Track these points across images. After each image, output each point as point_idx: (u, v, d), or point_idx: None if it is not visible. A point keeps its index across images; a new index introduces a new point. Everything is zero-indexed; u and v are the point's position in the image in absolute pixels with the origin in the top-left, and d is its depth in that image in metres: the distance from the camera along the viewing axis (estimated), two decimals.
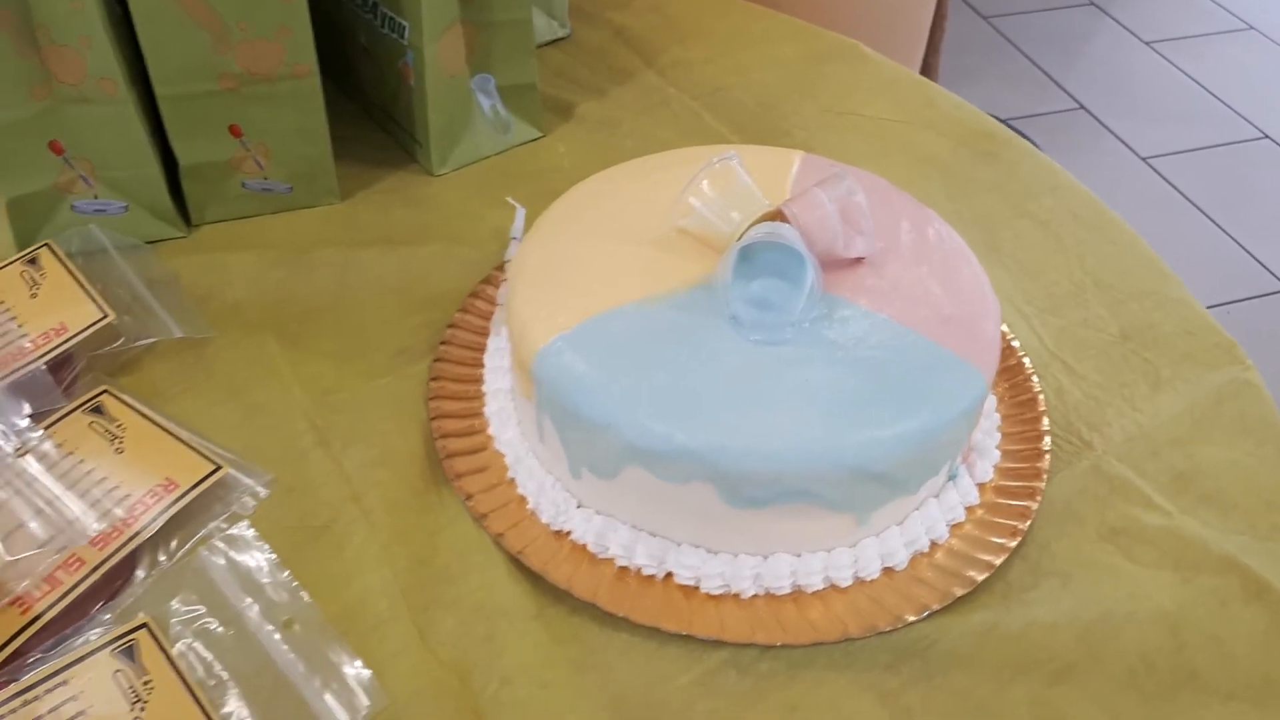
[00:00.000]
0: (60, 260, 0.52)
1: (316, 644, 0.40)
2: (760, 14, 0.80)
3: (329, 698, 0.38)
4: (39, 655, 0.39)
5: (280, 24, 0.54)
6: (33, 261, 0.53)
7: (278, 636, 0.40)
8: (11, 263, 0.52)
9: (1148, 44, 2.12)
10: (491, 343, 0.51)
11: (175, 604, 0.41)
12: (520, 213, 0.58)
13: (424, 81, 0.59)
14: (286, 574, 0.42)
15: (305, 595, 0.41)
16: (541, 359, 0.42)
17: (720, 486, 0.40)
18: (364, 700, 0.38)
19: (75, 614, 0.41)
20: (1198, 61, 2.05)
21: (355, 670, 0.39)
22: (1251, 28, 2.17)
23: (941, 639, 0.42)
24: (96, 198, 0.56)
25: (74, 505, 0.43)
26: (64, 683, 0.38)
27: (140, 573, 0.42)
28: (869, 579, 0.43)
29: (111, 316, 0.49)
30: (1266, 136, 1.88)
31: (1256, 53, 2.11)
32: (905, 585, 0.43)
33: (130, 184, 0.56)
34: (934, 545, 0.45)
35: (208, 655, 0.39)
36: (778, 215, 0.44)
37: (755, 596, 0.43)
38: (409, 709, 0.38)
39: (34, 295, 0.51)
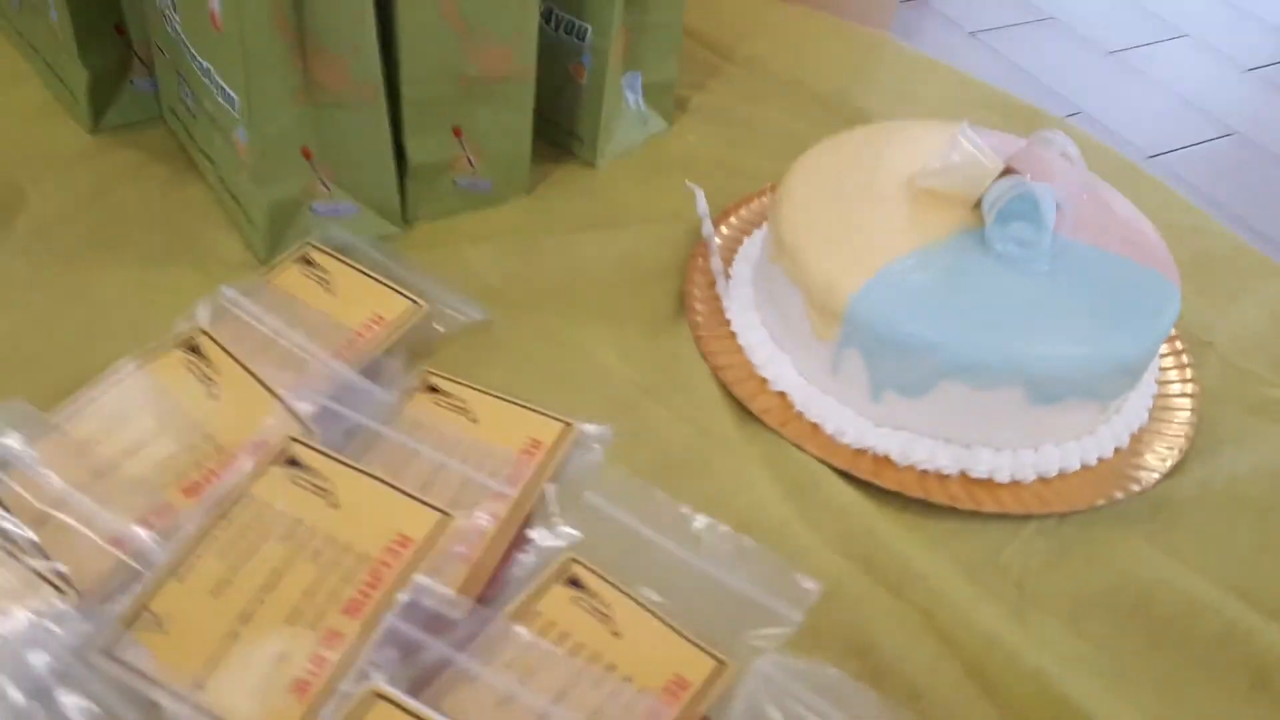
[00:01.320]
0: (336, 258, 0.56)
1: (731, 547, 0.47)
2: (800, 12, 0.90)
3: (767, 595, 0.45)
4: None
5: (515, 28, 0.59)
6: (308, 262, 0.56)
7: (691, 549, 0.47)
8: (284, 264, 0.55)
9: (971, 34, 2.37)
10: (734, 304, 0.59)
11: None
12: (699, 194, 0.66)
13: (602, 80, 0.66)
14: (670, 499, 0.48)
15: (698, 513, 0.48)
16: (856, 301, 0.50)
17: (1029, 389, 0.50)
18: (808, 584, 0.45)
19: (504, 561, 0.46)
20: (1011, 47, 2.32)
21: (776, 563, 0.46)
22: (1053, 18, 2.46)
23: (1174, 493, 0.53)
24: (333, 200, 0.59)
25: (464, 470, 0.48)
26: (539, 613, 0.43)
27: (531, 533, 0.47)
28: (1107, 458, 0.54)
29: (424, 304, 0.54)
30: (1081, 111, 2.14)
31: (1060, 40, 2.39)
32: (1133, 458, 0.54)
33: (364, 185, 0.59)
34: (1140, 429, 0.56)
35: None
36: (1009, 171, 0.54)
37: (1034, 480, 0.53)
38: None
39: (330, 292, 0.54)
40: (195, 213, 0.62)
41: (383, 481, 0.44)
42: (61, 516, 0.42)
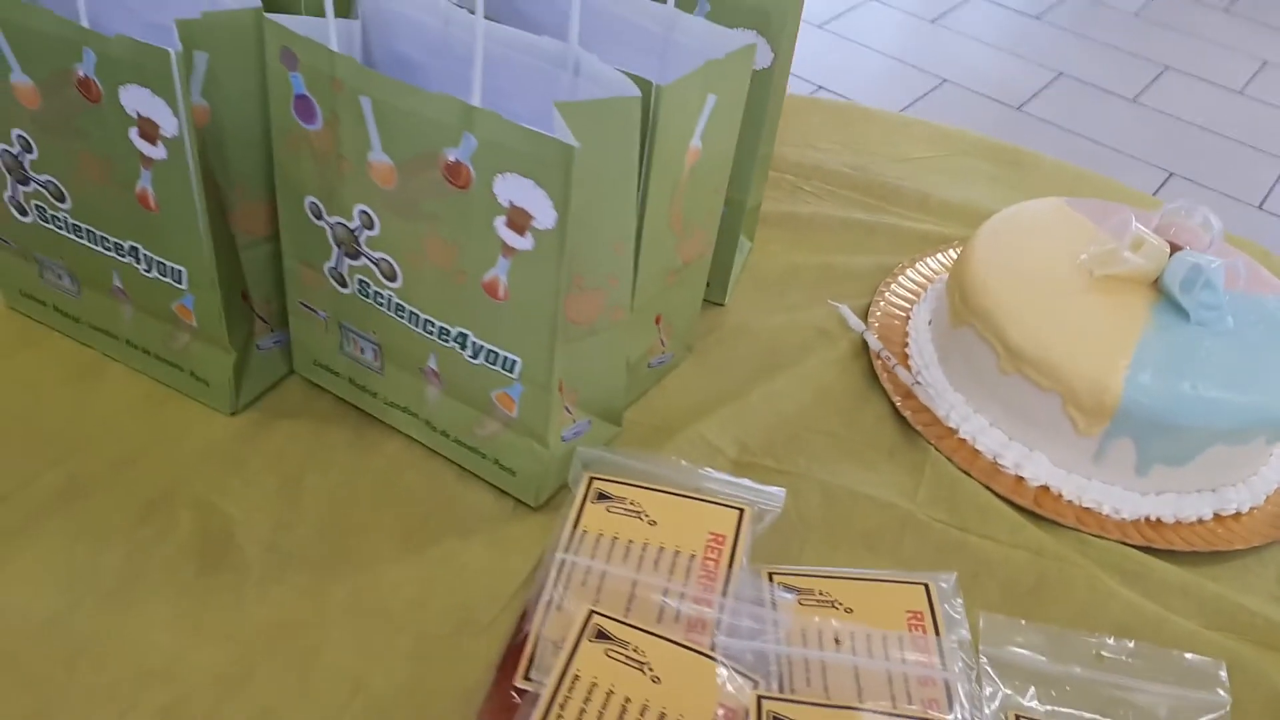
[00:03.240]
0: (627, 484, 0.54)
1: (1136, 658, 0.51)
2: (825, 105, 0.94)
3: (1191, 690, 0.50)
4: None
5: (709, 212, 0.59)
6: (604, 496, 0.54)
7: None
8: (582, 506, 0.53)
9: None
10: (951, 412, 0.63)
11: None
12: (847, 311, 0.69)
13: (737, 227, 0.67)
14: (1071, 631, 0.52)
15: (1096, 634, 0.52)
16: (1128, 400, 0.56)
17: (1271, 433, 0.58)
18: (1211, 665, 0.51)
19: None
20: None
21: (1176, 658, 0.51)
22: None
23: None
24: (574, 422, 0.57)
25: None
26: None
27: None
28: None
29: (744, 508, 0.54)
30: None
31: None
32: None
33: (600, 400, 0.58)
34: None
35: None
36: (1175, 248, 0.62)
37: (1264, 504, 0.61)
38: None
39: (650, 522, 0.53)
40: (414, 473, 0.57)
41: (687, 647, 0.46)
42: None
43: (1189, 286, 0.60)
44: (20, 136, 0.53)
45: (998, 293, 0.62)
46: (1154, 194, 2.32)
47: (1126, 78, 2.69)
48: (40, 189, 0.55)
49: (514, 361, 0.51)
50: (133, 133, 0.49)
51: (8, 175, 0.55)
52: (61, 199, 0.54)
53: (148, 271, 0.55)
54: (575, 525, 0.53)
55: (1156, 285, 0.61)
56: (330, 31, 0.47)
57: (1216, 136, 2.53)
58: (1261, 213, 2.29)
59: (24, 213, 0.57)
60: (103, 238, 0.55)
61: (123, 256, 0.55)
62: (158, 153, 0.49)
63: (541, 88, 0.50)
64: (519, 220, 0.46)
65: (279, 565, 0.51)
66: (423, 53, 0.52)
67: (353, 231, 0.52)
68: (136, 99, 0.48)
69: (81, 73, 0.48)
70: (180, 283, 0.54)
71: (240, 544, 0.52)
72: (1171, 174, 2.35)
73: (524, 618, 0.50)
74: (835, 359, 0.67)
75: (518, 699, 0.45)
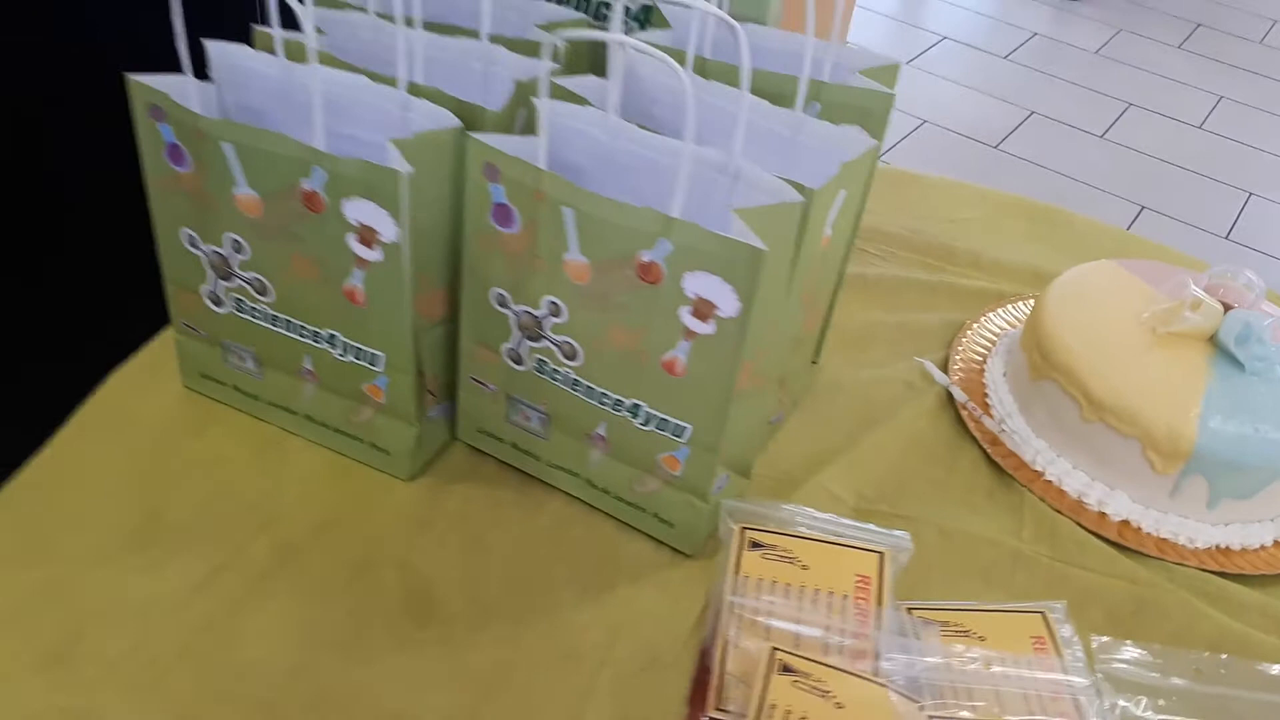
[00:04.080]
0: (775, 533, 0.61)
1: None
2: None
3: None
4: None
5: (829, 285, 0.67)
6: (757, 545, 0.61)
7: None
8: (740, 555, 0.60)
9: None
10: (1038, 457, 0.71)
11: None
12: (931, 367, 0.77)
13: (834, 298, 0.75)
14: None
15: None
16: (1201, 444, 0.65)
17: None
18: None
19: None
20: None
21: None
22: None
23: None
24: (719, 476, 0.64)
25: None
26: None
27: None
28: None
29: (884, 550, 0.61)
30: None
31: None
32: None
33: (738, 456, 0.64)
34: None
35: None
36: (1228, 307, 0.70)
37: None
38: None
39: (803, 567, 0.60)
40: (578, 527, 0.64)
41: (861, 676, 0.53)
42: None
43: (1243, 341, 0.69)
44: (233, 239, 0.59)
45: (1077, 350, 0.70)
46: (1128, 228, 2.43)
47: (1093, 115, 2.84)
48: (244, 284, 0.61)
49: (684, 428, 0.58)
50: (350, 238, 0.56)
51: (211, 272, 0.62)
52: (264, 293, 0.61)
53: (342, 356, 0.61)
54: (736, 571, 0.60)
55: (1213, 341, 0.70)
56: (540, 151, 0.54)
57: (1180, 170, 2.67)
58: (1229, 242, 2.42)
59: (220, 304, 0.63)
60: (300, 327, 0.61)
61: (318, 343, 0.62)
62: (374, 255, 0.56)
63: (701, 191, 0.57)
64: (704, 309, 0.53)
65: (480, 616, 0.58)
66: (590, 160, 0.59)
67: (538, 319, 0.59)
68: (360, 210, 0.55)
69: (308, 187, 0.55)
70: (376, 366, 0.61)
71: (442, 598, 0.58)
72: (1143, 207, 2.48)
73: (703, 655, 0.57)
74: (925, 410, 0.75)
75: None
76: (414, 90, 0.58)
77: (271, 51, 0.59)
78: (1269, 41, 3.36)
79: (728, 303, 0.52)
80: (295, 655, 0.54)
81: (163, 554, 0.59)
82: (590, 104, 0.60)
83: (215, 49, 0.59)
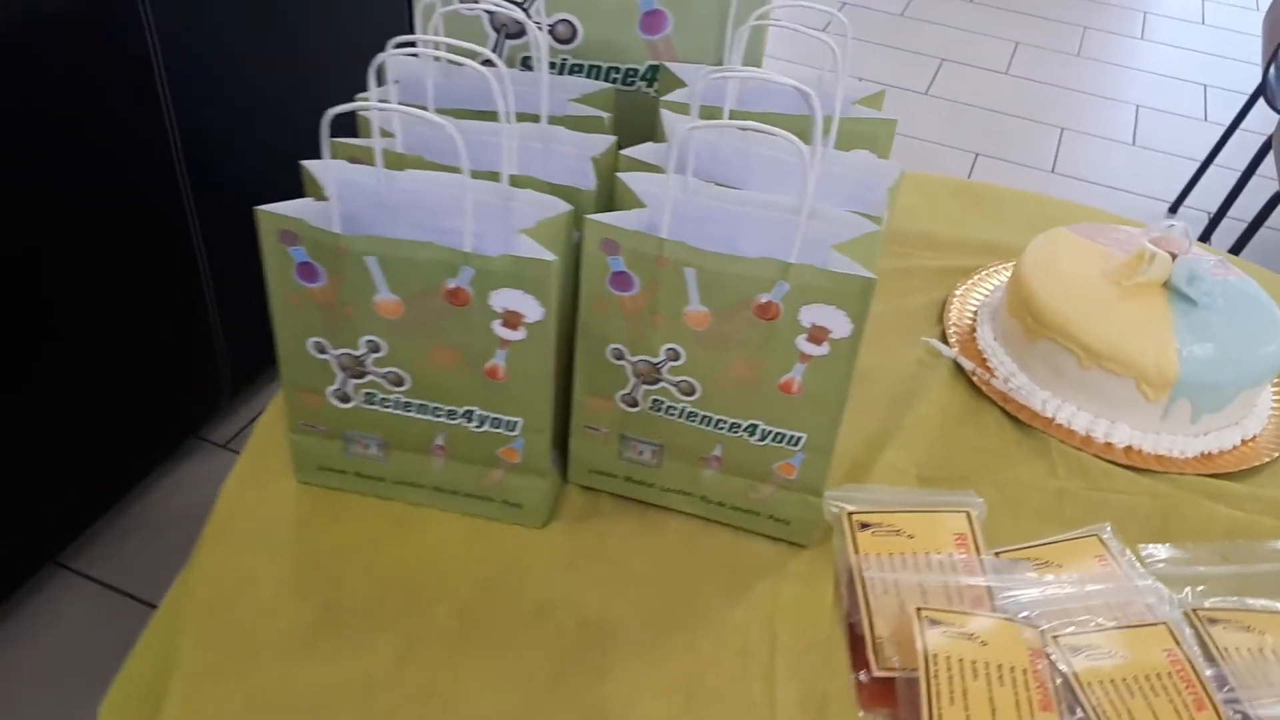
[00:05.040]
0: (882, 512, 0.71)
1: None
2: None
3: None
4: None
5: None
6: (866, 525, 0.70)
7: None
8: (852, 536, 0.70)
9: None
10: (1047, 405, 0.83)
11: None
12: (941, 346, 0.89)
13: None
14: None
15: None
16: (1184, 373, 0.78)
17: (1269, 378, 0.81)
18: None
19: None
20: None
21: None
22: None
23: None
24: None
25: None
26: None
27: None
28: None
29: (969, 509, 0.72)
30: None
31: None
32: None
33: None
34: None
35: None
36: (1174, 256, 0.84)
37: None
38: None
39: (910, 537, 0.70)
40: (701, 539, 0.72)
41: (990, 616, 0.65)
42: None
43: (1193, 281, 0.83)
44: (370, 341, 0.64)
45: (1065, 312, 0.82)
46: (968, 175, 2.64)
47: (914, 74, 3.06)
48: (378, 379, 0.66)
49: (800, 438, 0.67)
50: (495, 324, 0.62)
51: (341, 373, 0.66)
52: (400, 384, 0.66)
53: (479, 428, 0.67)
54: (856, 551, 0.69)
55: (1167, 285, 0.84)
56: (663, 223, 0.61)
57: (1000, 115, 2.91)
58: (1056, 175, 2.68)
59: (346, 401, 0.68)
60: (435, 408, 0.67)
61: (453, 419, 0.67)
62: (517, 335, 0.62)
63: (776, 230, 0.66)
64: (818, 335, 0.62)
65: (654, 633, 0.65)
66: (676, 220, 0.67)
67: (656, 365, 0.66)
68: (506, 298, 0.61)
69: (453, 285, 0.61)
70: (513, 430, 0.67)
71: (614, 625, 0.65)
72: (978, 154, 2.71)
73: (851, 626, 0.66)
74: (943, 383, 0.86)
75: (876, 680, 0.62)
76: (512, 180, 0.65)
77: (356, 160, 0.64)
78: None
79: (841, 326, 0.62)
80: (513, 698, 0.61)
81: (356, 638, 0.63)
82: (662, 169, 0.68)
83: (318, 168, 0.64)
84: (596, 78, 0.81)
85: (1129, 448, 0.81)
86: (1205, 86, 3.10)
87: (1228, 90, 3.08)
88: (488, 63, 0.65)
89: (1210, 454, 0.82)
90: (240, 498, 0.72)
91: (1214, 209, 2.42)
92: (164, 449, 1.55)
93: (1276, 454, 0.82)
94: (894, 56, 3.12)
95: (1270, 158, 1.92)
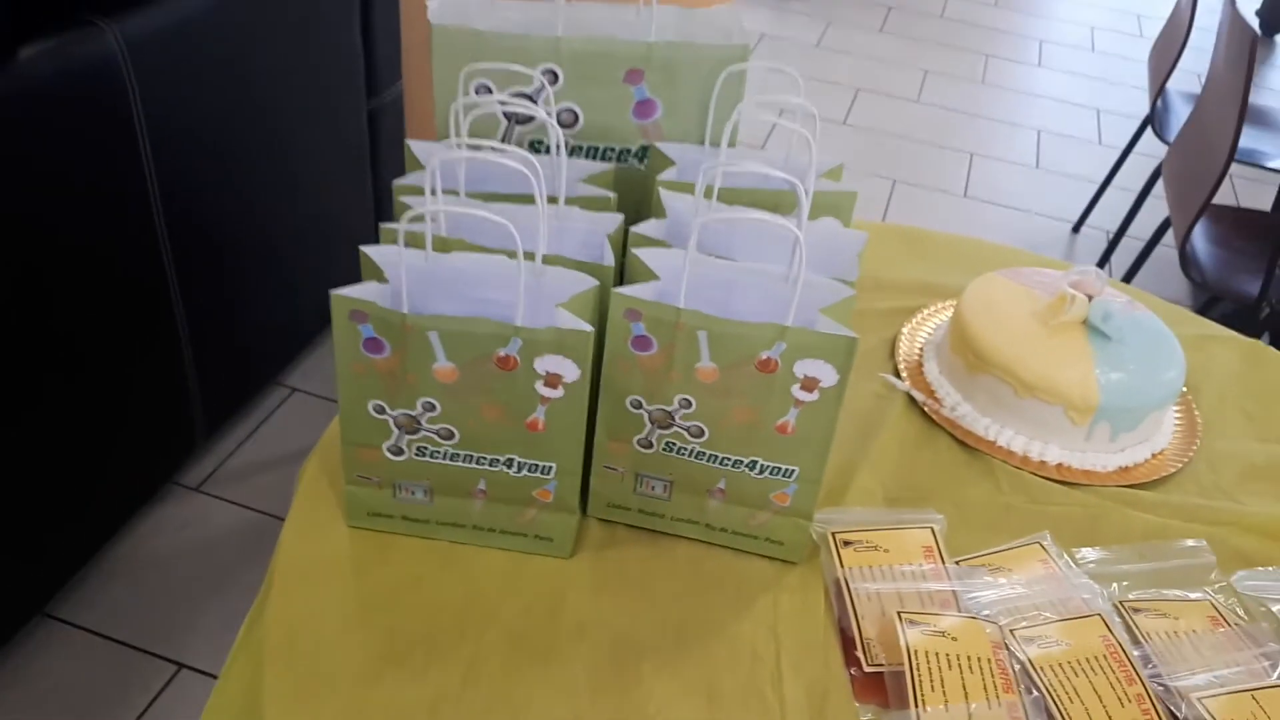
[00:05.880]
0: (858, 530, 0.83)
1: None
2: None
3: None
4: None
5: None
6: (848, 543, 0.82)
7: None
8: (836, 552, 0.81)
9: None
10: (990, 429, 0.97)
11: None
12: (896, 381, 1.01)
13: None
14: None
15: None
16: (1105, 400, 0.92)
17: (1171, 400, 0.96)
18: None
19: None
20: None
21: None
22: None
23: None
24: None
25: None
26: None
27: None
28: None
29: (933, 525, 0.84)
30: None
31: None
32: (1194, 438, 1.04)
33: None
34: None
35: None
36: (1091, 298, 0.98)
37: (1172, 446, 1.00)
38: None
39: (885, 551, 0.82)
40: (708, 562, 0.83)
41: (957, 616, 0.77)
42: None
43: (1107, 320, 0.97)
44: (426, 402, 0.73)
45: (1003, 349, 0.96)
46: (888, 201, 2.80)
47: (832, 104, 3.23)
48: (431, 435, 0.75)
49: (793, 470, 0.78)
50: (538, 384, 0.72)
51: (397, 430, 0.75)
52: (449, 438, 0.75)
53: (517, 473, 0.77)
54: (841, 565, 0.81)
55: (1084, 323, 0.98)
56: (681, 294, 0.72)
57: (913, 142, 3.10)
58: (968, 199, 2.87)
59: (400, 454, 0.77)
60: (479, 458, 0.76)
61: (494, 467, 0.77)
62: (556, 394, 0.72)
63: (769, 292, 0.77)
64: (810, 384, 0.74)
65: (679, 644, 0.76)
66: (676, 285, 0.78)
67: (670, 413, 0.77)
68: (548, 363, 0.71)
69: (504, 353, 0.71)
70: (548, 474, 0.77)
71: (644, 638, 0.76)
72: (895, 180, 2.89)
73: (843, 630, 0.78)
74: (899, 413, 0.99)
75: (867, 675, 0.74)
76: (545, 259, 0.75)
77: (405, 244, 0.74)
78: (948, 14, 3.91)
79: (829, 376, 0.73)
80: (564, 709, 0.71)
81: (421, 662, 0.73)
82: (666, 244, 0.79)
83: (377, 252, 0.73)
84: (594, 157, 0.92)
85: (1060, 465, 0.95)
86: (1098, 111, 3.34)
87: (1118, 114, 3.32)
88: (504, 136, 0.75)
89: (1127, 467, 0.96)
90: (298, 543, 0.80)
91: (1113, 228, 2.63)
92: (142, 494, 1.60)
93: (1180, 465, 0.96)
94: (812, 87, 3.29)
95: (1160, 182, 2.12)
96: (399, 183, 0.81)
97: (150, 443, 1.53)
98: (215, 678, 1.40)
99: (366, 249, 0.73)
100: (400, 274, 0.69)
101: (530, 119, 0.88)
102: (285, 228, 1.62)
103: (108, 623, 1.46)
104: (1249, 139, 1.98)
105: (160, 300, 1.43)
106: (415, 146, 0.83)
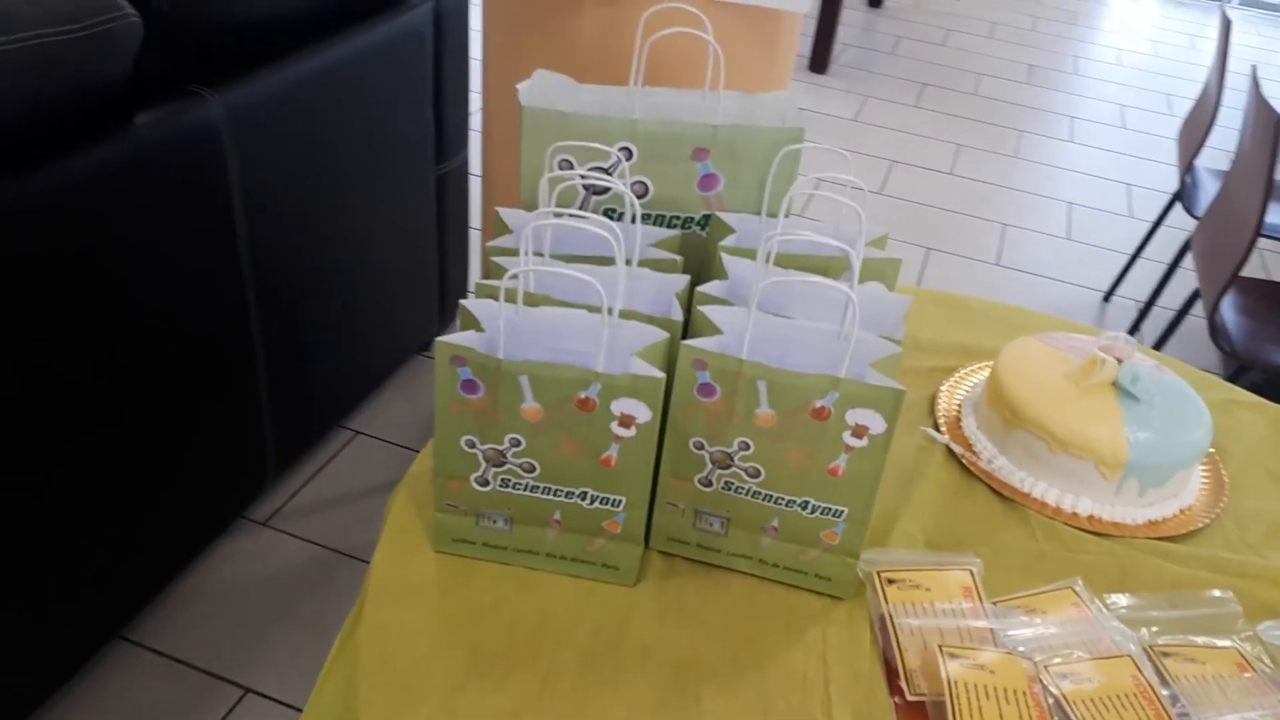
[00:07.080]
0: (903, 570, 0.90)
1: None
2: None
3: None
4: None
5: None
6: (892, 581, 0.89)
7: None
8: (882, 589, 0.88)
9: None
10: (1025, 480, 1.03)
11: None
12: (936, 435, 1.08)
13: None
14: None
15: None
16: (1133, 458, 0.98)
17: (1198, 459, 1.02)
18: None
19: None
20: None
21: None
22: None
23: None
24: None
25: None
26: None
27: None
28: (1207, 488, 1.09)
29: (972, 568, 0.90)
30: None
31: None
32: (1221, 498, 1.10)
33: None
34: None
35: None
36: (1120, 361, 1.05)
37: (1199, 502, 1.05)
38: None
39: (924, 589, 0.88)
40: (761, 593, 0.89)
41: (996, 651, 0.83)
42: None
43: (1135, 382, 1.04)
44: (513, 438, 0.81)
45: (1039, 407, 1.03)
46: (923, 268, 2.88)
47: (868, 175, 3.33)
48: (515, 468, 0.83)
49: (843, 511, 0.85)
50: (614, 424, 0.80)
51: (485, 464, 0.83)
52: (531, 471, 0.83)
53: (590, 505, 0.85)
54: (886, 601, 0.88)
55: (1114, 385, 1.05)
56: (744, 346, 0.80)
57: (946, 213, 3.19)
58: (1000, 267, 2.94)
59: (485, 485, 0.85)
60: (556, 490, 0.84)
61: (569, 499, 0.84)
62: (629, 433, 0.80)
63: (822, 347, 0.85)
64: (860, 431, 0.81)
65: (735, 668, 0.82)
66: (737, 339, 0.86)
67: (730, 454, 0.84)
68: (624, 405, 0.79)
69: (585, 395, 0.79)
70: (618, 507, 0.84)
71: (703, 661, 0.83)
72: (929, 249, 2.97)
73: (887, 660, 0.84)
74: (939, 464, 1.06)
75: (909, 703, 0.80)
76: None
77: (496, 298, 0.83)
78: (980, 91, 4.02)
79: (877, 425, 0.81)
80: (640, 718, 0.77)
81: (501, 675, 0.80)
82: (729, 302, 0.87)
83: (475, 305, 0.82)
84: (661, 224, 1.00)
85: (1091, 516, 1.01)
86: (1129, 185, 3.42)
87: (1148, 189, 3.40)
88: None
89: (1155, 521, 1.02)
90: (389, 566, 0.88)
91: (1143, 298, 2.69)
92: (215, 528, 1.69)
93: (1208, 520, 1.02)
94: (849, 159, 3.40)
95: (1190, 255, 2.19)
96: (492, 244, 0.90)
97: (224, 481, 1.62)
98: (279, 702, 1.48)
99: (466, 302, 0.82)
100: (498, 324, 0.78)
101: (606, 190, 0.97)
102: (358, 283, 1.73)
103: (179, 647, 1.53)
104: (1275, 214, 2.05)
105: (243, 351, 1.53)
106: (505, 214, 0.93)
